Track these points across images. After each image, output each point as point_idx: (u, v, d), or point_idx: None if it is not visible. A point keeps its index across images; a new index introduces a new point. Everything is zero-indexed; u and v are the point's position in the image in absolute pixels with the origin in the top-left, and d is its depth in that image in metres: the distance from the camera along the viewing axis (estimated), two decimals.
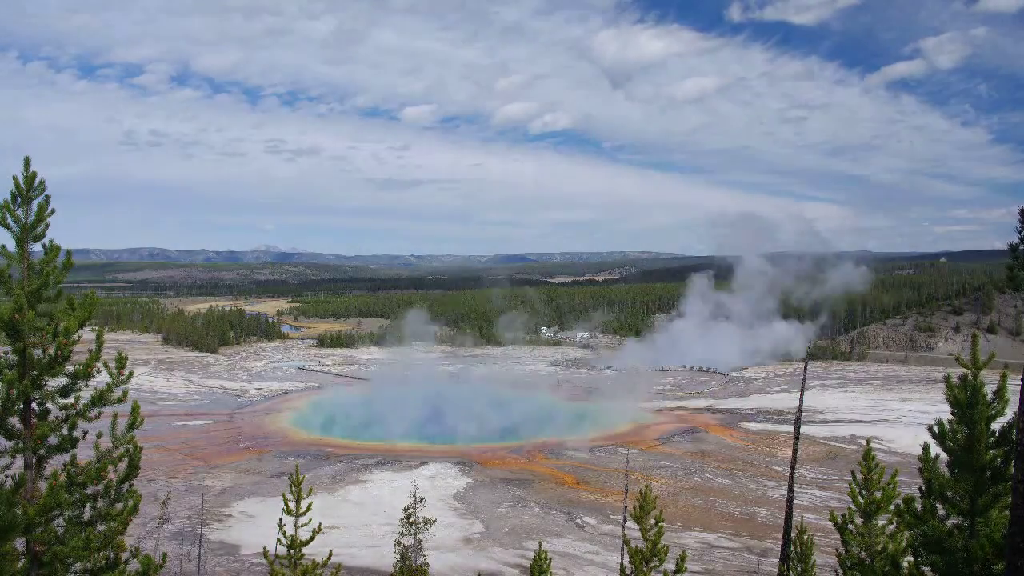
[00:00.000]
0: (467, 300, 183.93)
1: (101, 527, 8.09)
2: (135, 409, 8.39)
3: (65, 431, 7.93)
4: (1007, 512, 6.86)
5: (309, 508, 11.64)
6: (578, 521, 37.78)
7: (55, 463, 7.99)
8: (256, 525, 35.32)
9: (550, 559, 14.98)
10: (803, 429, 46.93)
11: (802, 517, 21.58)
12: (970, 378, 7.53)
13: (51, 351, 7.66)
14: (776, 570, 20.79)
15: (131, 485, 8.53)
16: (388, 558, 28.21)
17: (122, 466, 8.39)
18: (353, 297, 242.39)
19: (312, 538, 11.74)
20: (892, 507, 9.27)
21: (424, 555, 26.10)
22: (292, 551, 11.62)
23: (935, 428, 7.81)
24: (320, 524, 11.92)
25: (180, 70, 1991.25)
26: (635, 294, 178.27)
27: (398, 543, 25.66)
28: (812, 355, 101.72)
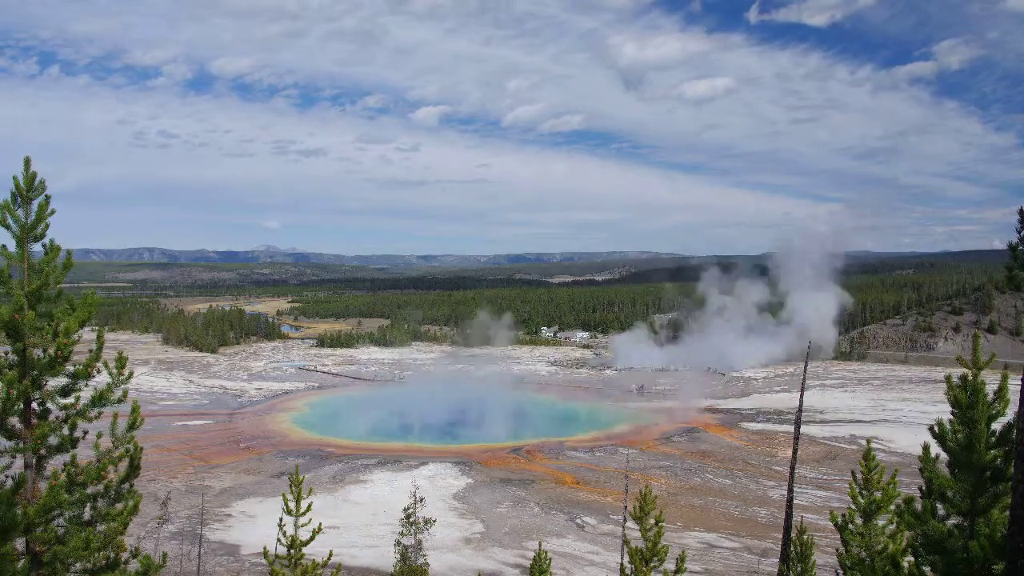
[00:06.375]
0: (467, 300, 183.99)
1: (101, 527, 8.07)
2: (135, 409, 8.37)
3: (65, 431, 7.91)
4: (1007, 512, 6.85)
5: (309, 508, 11.62)
6: (578, 521, 37.78)
7: (55, 463, 7.97)
8: (256, 525, 35.33)
9: (550, 559, 14.97)
10: (803, 429, 46.93)
11: (802, 517, 21.59)
12: (970, 378, 7.52)
13: (51, 351, 7.64)
14: (776, 570, 20.77)
15: (131, 485, 8.51)
16: (388, 558, 28.21)
17: (122, 466, 8.37)
18: (353, 297, 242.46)
19: (312, 538, 11.72)
20: (892, 507, 9.24)
21: (424, 555, 26.14)
22: (292, 551, 11.61)
23: (935, 428, 7.79)
24: (320, 524, 11.90)
25: (196, 71, 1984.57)
26: (635, 294, 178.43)
27: (398, 543, 25.71)
28: (812, 355, 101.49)
